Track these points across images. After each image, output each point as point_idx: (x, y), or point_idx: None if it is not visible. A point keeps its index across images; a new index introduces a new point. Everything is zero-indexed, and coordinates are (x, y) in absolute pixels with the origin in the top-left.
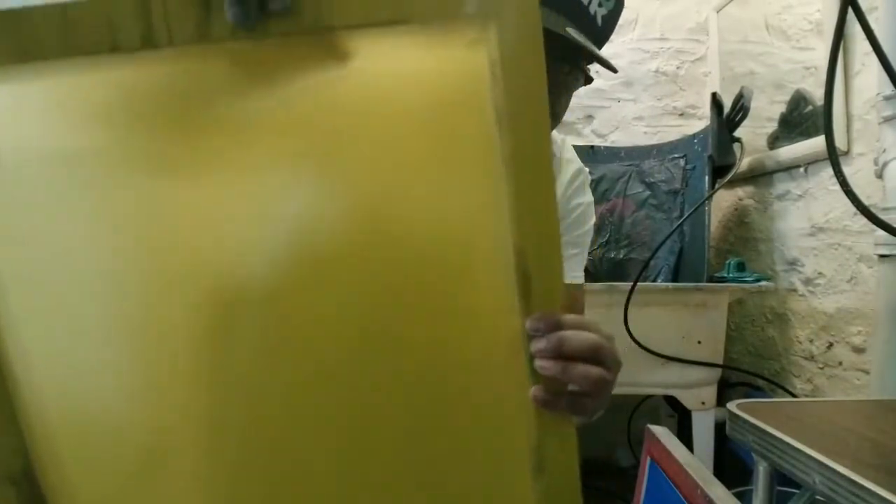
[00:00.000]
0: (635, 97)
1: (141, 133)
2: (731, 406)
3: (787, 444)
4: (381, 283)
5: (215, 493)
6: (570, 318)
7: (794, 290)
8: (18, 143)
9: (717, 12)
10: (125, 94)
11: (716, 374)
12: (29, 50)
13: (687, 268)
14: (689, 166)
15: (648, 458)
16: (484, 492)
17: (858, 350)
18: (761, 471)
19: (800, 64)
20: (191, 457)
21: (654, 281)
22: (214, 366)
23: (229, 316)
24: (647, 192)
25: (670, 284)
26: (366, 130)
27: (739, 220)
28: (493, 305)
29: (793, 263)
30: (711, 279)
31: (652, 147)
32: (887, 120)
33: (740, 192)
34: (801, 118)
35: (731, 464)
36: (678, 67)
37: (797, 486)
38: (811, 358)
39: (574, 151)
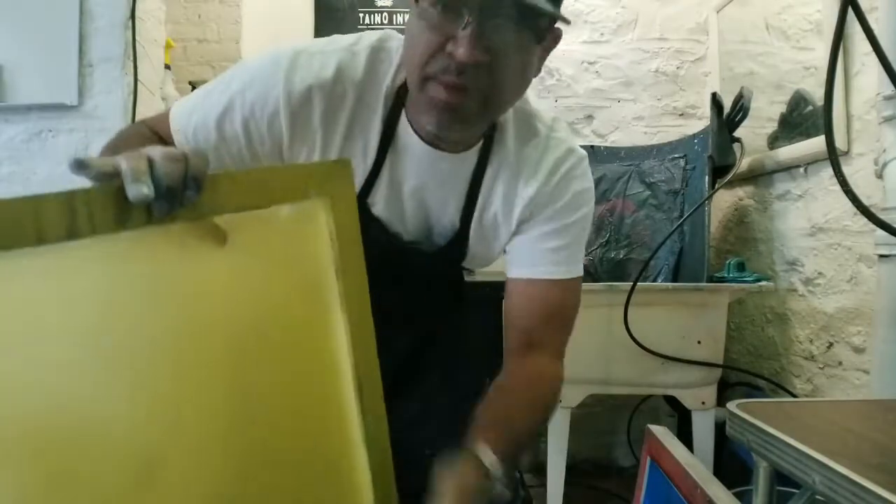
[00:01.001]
0: (635, 97)
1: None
2: (731, 406)
3: (787, 444)
4: (254, 381)
5: None
6: None
7: (794, 290)
8: None
9: (717, 12)
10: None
11: (716, 374)
12: None
13: (687, 268)
14: (689, 166)
15: (648, 458)
16: None
17: (858, 350)
18: (761, 471)
19: (800, 64)
20: None
21: (654, 281)
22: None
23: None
24: (647, 192)
25: (670, 284)
26: (236, 287)
27: (739, 221)
28: (339, 402)
29: (793, 263)
30: (711, 279)
31: (652, 147)
32: (887, 120)
33: (740, 192)
34: (801, 118)
35: (731, 464)
36: (678, 67)
37: (797, 485)
38: (811, 358)
39: (569, 131)
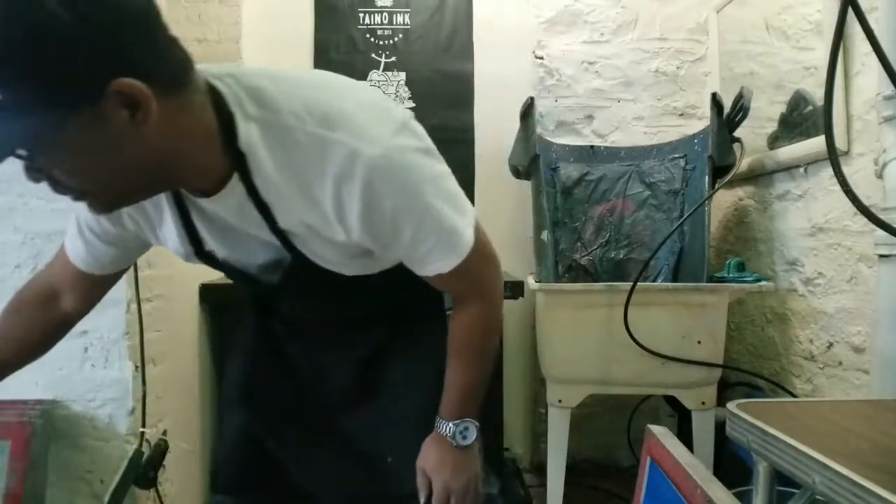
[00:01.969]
0: (635, 97)
1: None
2: (731, 406)
3: (787, 444)
4: None
5: None
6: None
7: (794, 290)
8: None
9: (717, 12)
10: None
11: (716, 374)
12: None
13: (687, 268)
14: (689, 166)
15: (648, 458)
16: None
17: (858, 350)
18: (761, 471)
19: (800, 64)
20: None
21: (654, 281)
22: None
23: None
24: (647, 192)
25: (670, 284)
26: None
27: (739, 221)
28: None
29: (793, 263)
30: (711, 279)
31: (652, 147)
32: (887, 120)
33: (740, 192)
34: (801, 118)
35: (731, 464)
36: (678, 67)
37: (797, 486)
38: (811, 358)
39: (355, 125)
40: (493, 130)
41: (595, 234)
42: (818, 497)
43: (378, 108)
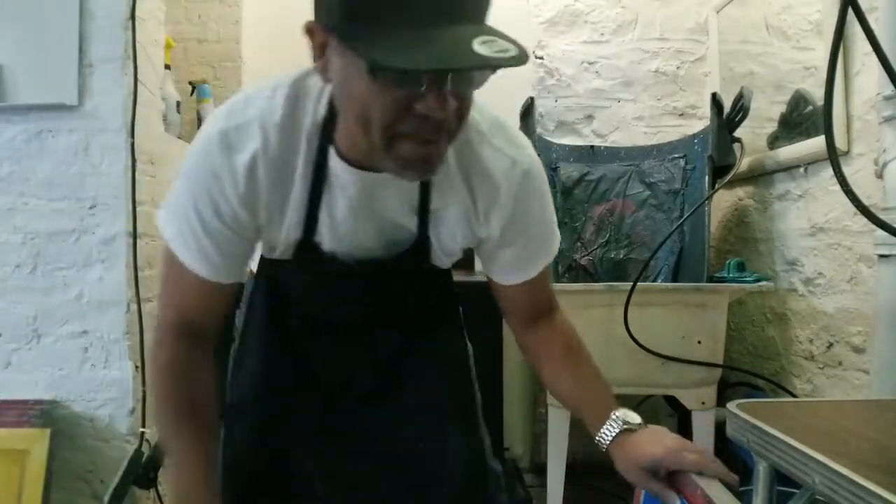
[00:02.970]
0: (635, 97)
1: None
2: (731, 406)
3: (787, 444)
4: None
5: None
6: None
7: (794, 290)
8: None
9: (717, 12)
10: None
11: (716, 374)
12: None
13: (687, 268)
14: (689, 166)
15: None
16: None
17: (858, 350)
18: (761, 471)
19: (800, 64)
20: None
21: (654, 281)
22: None
23: None
24: (647, 192)
25: (670, 284)
26: None
27: (739, 221)
28: None
29: (793, 263)
30: (711, 279)
31: (652, 147)
32: (887, 120)
33: (740, 192)
34: (801, 118)
35: (731, 464)
36: (678, 67)
37: (797, 486)
38: (811, 358)
39: (510, 136)
40: None
41: (595, 234)
42: (818, 497)
43: (508, 121)
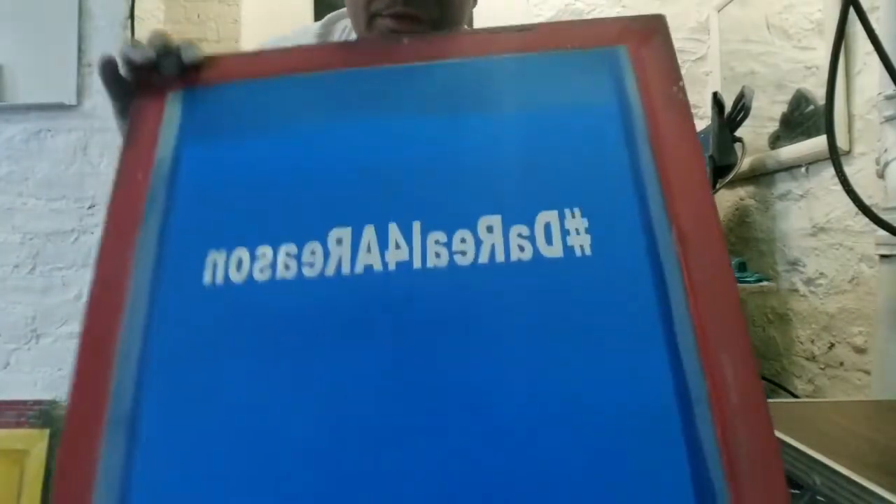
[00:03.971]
0: None
1: None
2: None
3: (788, 445)
4: None
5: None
6: None
7: (796, 291)
8: None
9: (718, 12)
10: None
11: None
12: None
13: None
14: None
15: None
16: None
17: (860, 350)
18: None
19: (801, 63)
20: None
21: None
22: None
23: None
24: None
25: None
26: None
27: (741, 220)
28: None
29: (794, 263)
30: None
31: None
32: (889, 119)
33: (741, 191)
34: (803, 118)
35: None
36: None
37: (798, 486)
38: (812, 358)
39: None
40: None
41: None
42: (819, 498)
43: None
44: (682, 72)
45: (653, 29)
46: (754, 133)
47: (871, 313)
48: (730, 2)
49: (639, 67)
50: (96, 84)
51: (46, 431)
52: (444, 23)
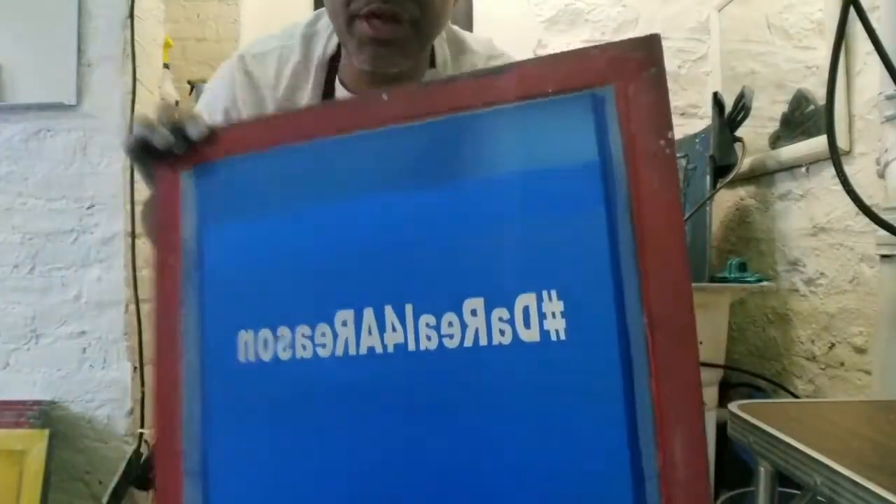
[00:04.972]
0: None
1: None
2: (733, 407)
3: (789, 445)
4: None
5: None
6: None
7: (796, 291)
8: None
9: (719, 11)
10: None
11: (717, 374)
12: None
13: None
14: (690, 166)
15: None
16: None
17: (860, 350)
18: (762, 472)
19: (801, 63)
20: None
21: None
22: None
23: None
24: None
25: None
26: None
27: (741, 220)
28: None
29: (794, 263)
30: (713, 279)
31: None
32: (889, 119)
33: (742, 191)
34: (803, 118)
35: (732, 465)
36: (679, 67)
37: (799, 487)
38: (813, 358)
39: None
40: None
41: None
42: (819, 498)
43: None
44: (683, 72)
45: (644, 60)
46: (754, 133)
47: (872, 313)
48: (730, 1)
49: (624, 118)
50: (96, 84)
51: (45, 432)
52: (425, 22)
